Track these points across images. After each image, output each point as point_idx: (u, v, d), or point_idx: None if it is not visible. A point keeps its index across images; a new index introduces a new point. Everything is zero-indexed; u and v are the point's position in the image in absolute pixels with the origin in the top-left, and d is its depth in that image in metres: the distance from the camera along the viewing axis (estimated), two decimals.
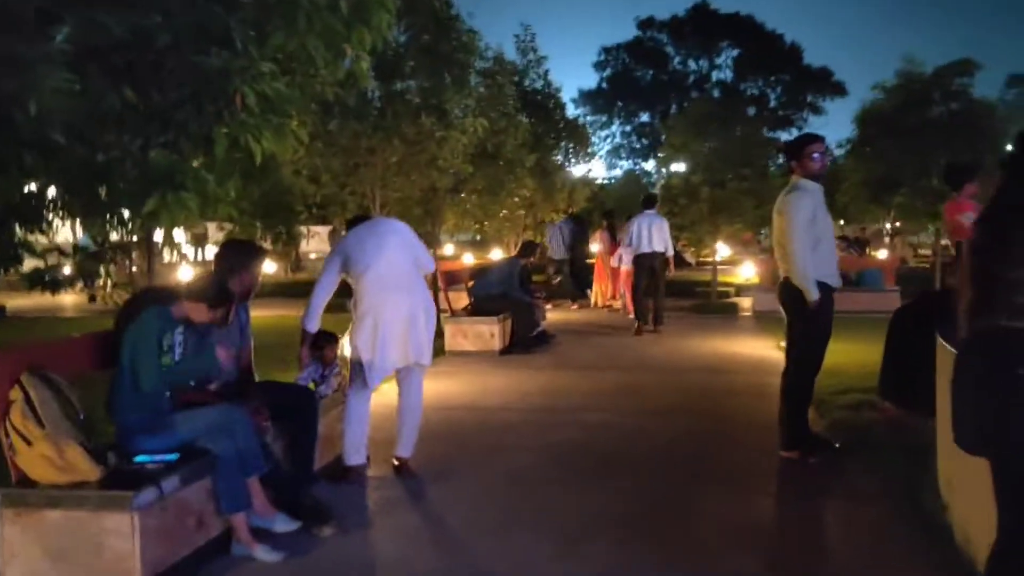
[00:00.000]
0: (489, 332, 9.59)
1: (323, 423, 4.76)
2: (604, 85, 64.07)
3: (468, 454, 5.55)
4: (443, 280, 10.03)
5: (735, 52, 60.73)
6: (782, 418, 5.22)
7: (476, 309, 10.00)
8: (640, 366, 8.92)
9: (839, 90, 56.66)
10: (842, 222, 25.12)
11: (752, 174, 13.54)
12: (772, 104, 55.00)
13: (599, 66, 65.38)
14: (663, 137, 14.45)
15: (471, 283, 10.60)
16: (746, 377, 8.11)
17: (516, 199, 12.03)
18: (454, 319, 9.79)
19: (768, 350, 9.76)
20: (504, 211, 12.12)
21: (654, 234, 11.48)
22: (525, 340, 9.99)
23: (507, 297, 10.00)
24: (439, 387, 7.59)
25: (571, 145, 15.20)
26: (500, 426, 6.35)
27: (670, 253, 12.10)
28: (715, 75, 61.45)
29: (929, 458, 4.56)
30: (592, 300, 14.95)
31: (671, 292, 17.14)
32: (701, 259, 24.37)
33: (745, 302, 15.24)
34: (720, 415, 6.60)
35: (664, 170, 16.47)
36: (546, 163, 14.67)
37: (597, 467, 5.25)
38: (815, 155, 5.03)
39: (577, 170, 15.71)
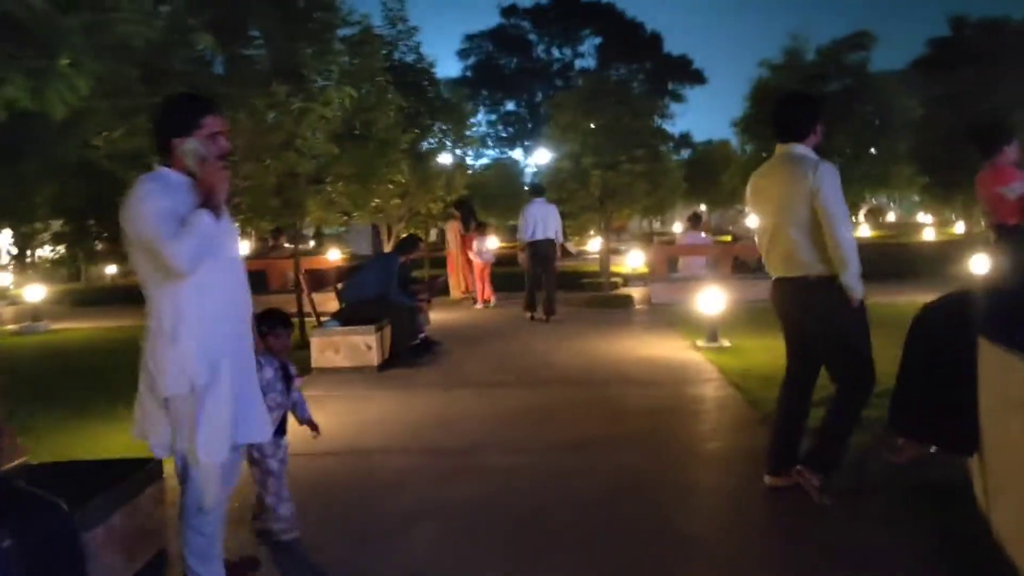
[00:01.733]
0: (365, 344, 8.02)
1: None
2: (468, 73, 63.09)
3: (337, 535, 4.02)
4: (307, 281, 8.35)
5: (598, 40, 61.18)
6: (778, 440, 4.08)
7: (348, 316, 8.41)
8: (547, 379, 7.59)
9: (698, 78, 57.85)
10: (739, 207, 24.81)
11: (646, 156, 12.49)
12: (635, 92, 55.48)
13: (463, 54, 64.43)
14: (547, 117, 13.14)
15: (340, 285, 8.99)
16: (674, 389, 6.92)
17: (390, 186, 10.45)
18: (322, 330, 8.16)
19: (684, 351, 8.65)
20: (376, 200, 10.53)
21: (549, 221, 11.40)
22: (408, 351, 8.49)
23: (384, 301, 8.46)
24: None
25: (447, 126, 13.68)
26: (381, 480, 4.85)
27: (560, 240, 11.93)
28: (579, 63, 61.57)
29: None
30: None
31: (559, 286, 16.08)
32: (583, 248, 23.45)
33: (636, 293, 14.26)
34: (662, 447, 5.31)
35: (540, 154, 15.29)
36: (420, 146, 13.14)
37: (516, 541, 3.85)
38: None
39: (451, 155, 14.18)
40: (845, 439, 3.97)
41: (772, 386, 6.28)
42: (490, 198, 30.60)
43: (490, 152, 63.12)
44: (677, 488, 4.50)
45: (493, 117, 66.67)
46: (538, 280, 11.53)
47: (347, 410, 6.56)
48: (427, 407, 6.62)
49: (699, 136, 53.56)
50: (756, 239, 4.27)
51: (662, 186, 12.59)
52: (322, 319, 8.51)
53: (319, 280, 8.98)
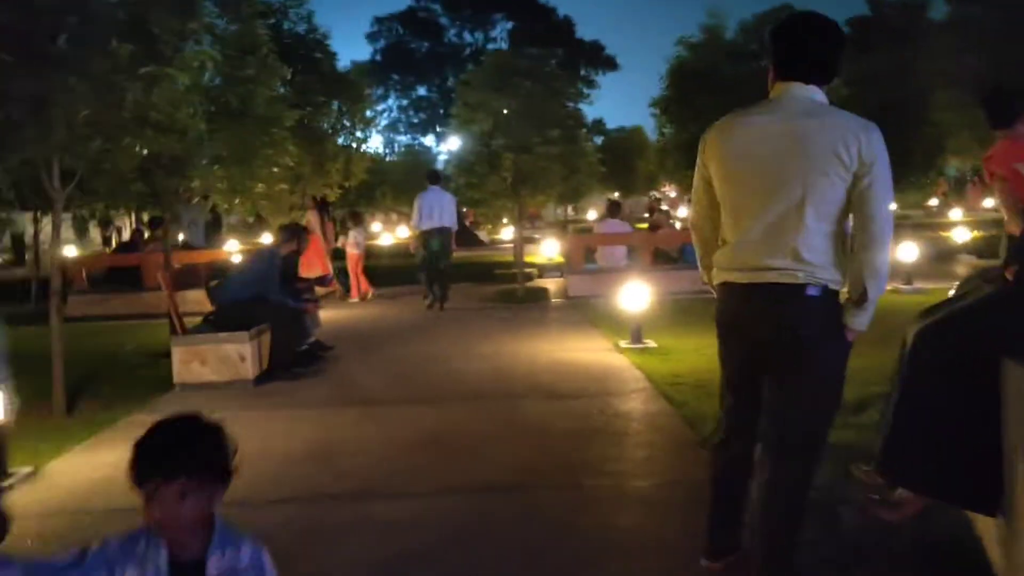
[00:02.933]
0: (238, 354, 6.82)
1: None
2: (378, 57, 61.29)
3: None
4: (166, 280, 7.07)
5: (509, 25, 60.24)
6: (715, 516, 3.04)
7: (221, 321, 7.20)
8: (452, 392, 6.54)
9: (611, 64, 57.51)
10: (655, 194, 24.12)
11: (561, 137, 11.54)
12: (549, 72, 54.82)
13: (372, 37, 62.59)
14: (455, 98, 12.06)
15: (213, 283, 7.75)
16: (599, 403, 5.96)
17: (276, 169, 9.21)
18: (185, 338, 6.91)
19: (606, 353, 7.74)
20: (260, 185, 9.28)
21: (444, 209, 11.27)
22: (290, 359, 7.33)
23: (262, 302, 7.26)
24: None
25: (344, 106, 12.45)
26: None
27: (455, 229, 11.76)
28: (491, 47, 60.42)
29: None
30: None
31: (469, 277, 15.06)
32: (495, 237, 22.47)
33: (552, 285, 13.35)
34: (591, 486, 4.33)
35: (452, 139, 14.23)
36: (316, 126, 11.88)
37: None
38: None
39: (349, 137, 12.96)
40: (798, 529, 2.82)
41: (706, 397, 5.48)
42: (400, 186, 29.34)
43: (401, 138, 61.68)
44: (613, 548, 3.53)
45: (404, 102, 65.16)
46: (432, 269, 11.46)
47: None
48: (308, 433, 5.49)
49: (612, 124, 53.19)
50: (695, 222, 3.09)
51: (578, 171, 11.69)
52: (188, 325, 7.28)
53: (187, 278, 7.70)
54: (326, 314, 8.93)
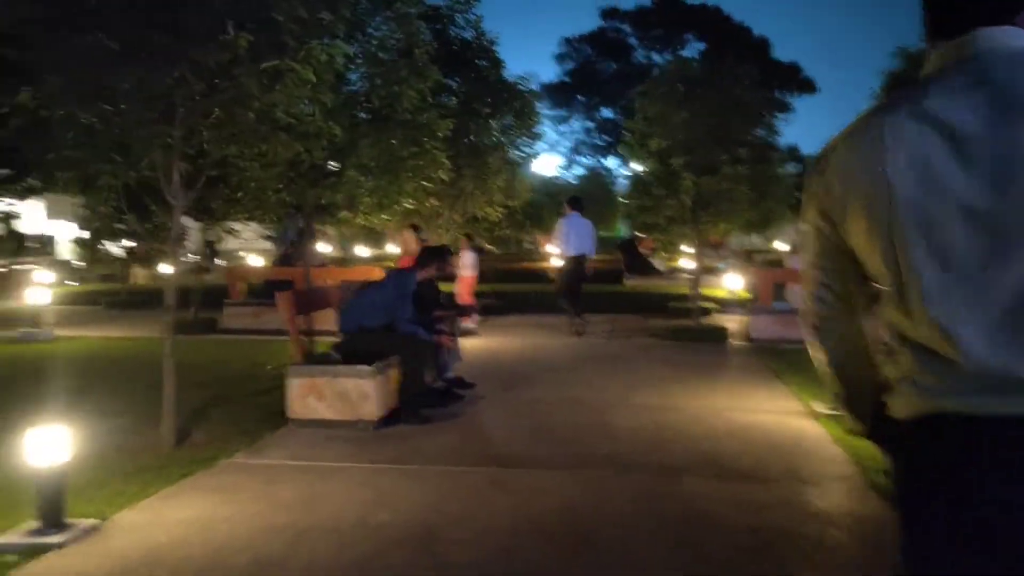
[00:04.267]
0: (359, 391, 5.94)
1: None
2: (566, 79, 61.07)
3: None
4: (286, 303, 6.29)
5: (701, 45, 58.38)
6: None
7: (345, 350, 6.37)
8: (598, 457, 5.32)
9: (807, 87, 54.23)
10: None
11: (752, 156, 10.08)
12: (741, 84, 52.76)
13: (560, 58, 62.64)
14: (635, 111, 10.87)
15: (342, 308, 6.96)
16: (790, 493, 4.55)
17: (426, 184, 8.40)
18: (302, 368, 6.11)
19: (797, 419, 6.26)
20: (408, 202, 8.49)
21: (585, 235, 11.16)
22: (421, 399, 6.38)
23: (392, 331, 6.37)
24: (225, 514, 4.00)
25: (510, 118, 11.56)
26: None
27: (592, 256, 11.73)
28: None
29: None
30: None
31: (638, 308, 13.79)
32: (673, 265, 20.93)
33: (732, 323, 11.81)
34: None
35: (628, 159, 13.04)
36: (479, 139, 11.07)
37: None
38: None
39: (514, 153, 12.07)
40: None
41: None
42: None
43: (584, 160, 61.24)
44: None
45: (589, 124, 64.65)
46: (573, 295, 11.27)
47: (299, 495, 4.47)
48: (419, 498, 4.47)
49: (806, 150, 49.84)
50: (819, 314, 1.57)
51: (769, 196, 10.17)
52: (318, 351, 6.52)
53: (309, 300, 6.93)
54: (470, 344, 7.96)
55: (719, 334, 10.43)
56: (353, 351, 6.29)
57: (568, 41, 62.86)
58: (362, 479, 4.80)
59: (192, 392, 7.18)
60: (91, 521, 4.06)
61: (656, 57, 62.58)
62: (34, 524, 3.87)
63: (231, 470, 5.03)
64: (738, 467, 5.05)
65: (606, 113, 64.80)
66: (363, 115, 7.83)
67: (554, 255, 11.76)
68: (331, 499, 4.45)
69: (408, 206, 8.52)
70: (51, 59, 5.31)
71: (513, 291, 14.73)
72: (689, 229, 10.60)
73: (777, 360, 8.91)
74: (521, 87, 11.38)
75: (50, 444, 3.84)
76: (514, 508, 4.35)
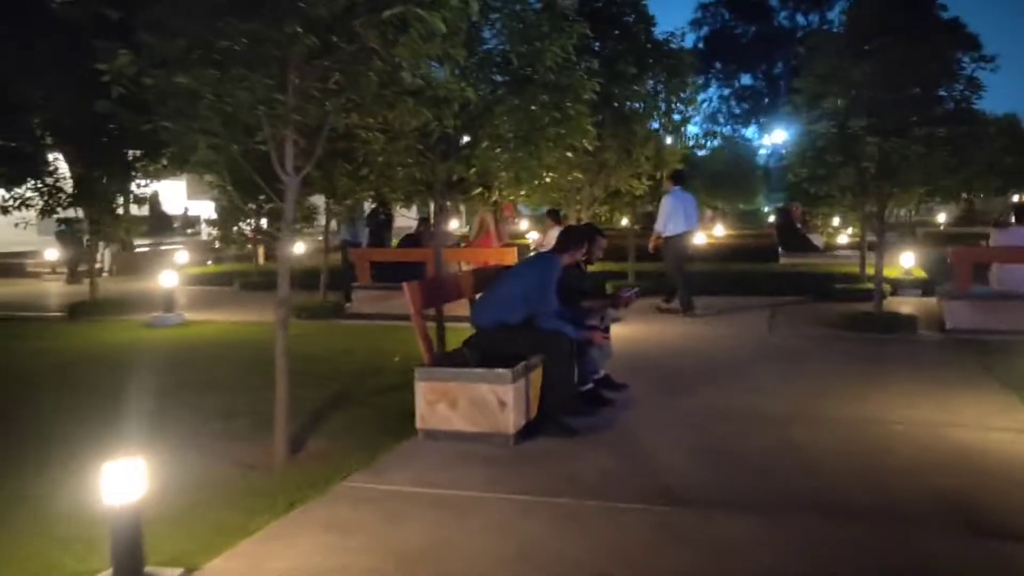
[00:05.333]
0: (497, 398, 5.04)
1: None
2: (701, 45, 58.44)
3: None
4: (416, 296, 5.43)
5: (848, 3, 54.48)
6: None
7: (481, 348, 5.49)
8: (795, 491, 4.21)
9: (982, 56, 49.56)
10: None
11: (951, 116, 8.53)
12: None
13: (695, 24, 60.15)
14: (803, 65, 9.48)
15: (478, 296, 6.07)
16: None
17: (570, 154, 7.40)
18: (432, 370, 5.26)
19: None
20: (549, 175, 7.52)
21: (691, 211, 10.68)
22: (566, 406, 5.43)
23: (533, 327, 5.44)
24: (335, 565, 3.22)
25: (661, 81, 10.36)
26: None
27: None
28: (831, 26, 55.07)
29: None
30: None
31: (800, 290, 12.40)
32: (831, 242, 19.11)
33: (911, 307, 10.27)
34: None
35: (777, 131, 11.57)
36: (624, 105, 9.94)
37: None
38: None
39: (664, 119, 10.85)
40: None
41: None
42: (717, 179, 26.75)
43: (722, 130, 58.63)
44: None
45: (726, 91, 61.93)
46: (690, 276, 10.78)
47: (426, 543, 3.60)
48: (572, 553, 3.52)
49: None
50: None
51: (972, 161, 8.58)
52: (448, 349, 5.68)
53: (439, 290, 6.05)
54: (613, 332, 6.94)
55: (906, 323, 8.97)
56: (489, 350, 5.40)
57: (704, 6, 60.24)
58: (504, 519, 3.89)
59: (313, 388, 6.53)
60: (175, 572, 3.32)
61: (800, 19, 59.17)
62: (107, 574, 3.18)
63: (348, 498, 4.24)
64: (994, 516, 3.84)
65: (745, 80, 61.96)
66: (500, 78, 6.89)
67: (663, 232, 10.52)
68: (465, 550, 3.56)
69: (548, 179, 7.56)
70: (150, 17, 4.64)
71: (658, 271, 13.55)
72: (869, 201, 9.14)
73: (985, 355, 7.46)
74: (673, 45, 10.14)
75: (125, 479, 3.11)
76: (699, 571, 3.34)
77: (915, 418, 5.50)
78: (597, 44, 9.47)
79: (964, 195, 26.18)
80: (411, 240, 11.69)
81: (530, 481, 4.41)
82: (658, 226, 10.56)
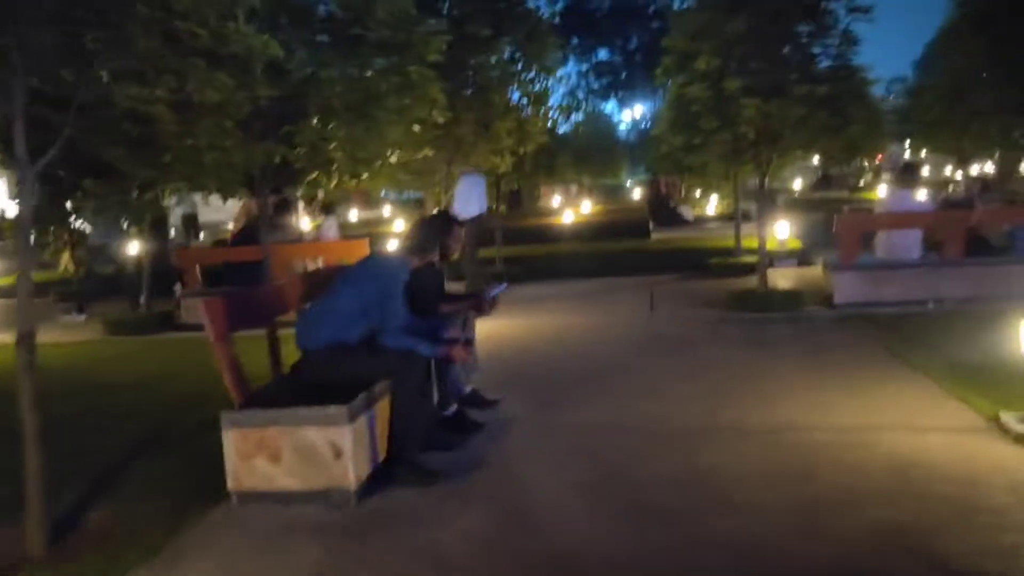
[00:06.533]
0: (330, 444, 3.87)
1: None
2: (556, 20, 58.01)
3: None
4: (217, 319, 4.15)
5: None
6: None
7: (309, 377, 4.30)
8: (728, 544, 3.27)
9: (860, 8, 51.21)
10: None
11: (831, 74, 7.90)
12: None
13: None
14: (671, 27, 8.66)
15: (307, 305, 4.85)
16: None
17: (416, 128, 6.26)
18: (240, 416, 4.02)
19: (981, 439, 4.21)
20: (392, 153, 6.33)
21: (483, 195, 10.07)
22: (422, 442, 4.33)
23: (377, 347, 4.28)
24: None
25: (518, 46, 9.31)
26: None
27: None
28: (677, 4, 55.85)
29: None
30: None
31: (674, 266, 11.78)
32: (699, 213, 18.75)
33: (787, 280, 9.78)
34: None
35: (633, 116, 10.80)
36: (480, 73, 8.85)
37: None
38: None
39: (528, 89, 9.79)
40: None
41: None
42: (581, 154, 26.14)
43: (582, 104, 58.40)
44: None
45: (584, 67, 61.92)
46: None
47: None
48: None
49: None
50: None
51: (854, 120, 7.99)
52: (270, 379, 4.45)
53: (254, 308, 4.79)
54: (482, 329, 5.90)
55: (792, 299, 8.35)
56: (320, 380, 4.22)
57: None
58: None
59: (108, 434, 5.23)
60: None
61: None
62: None
63: None
64: (961, 561, 3.00)
65: (602, 55, 62.09)
66: (324, 38, 5.66)
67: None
68: None
69: (393, 160, 6.39)
70: None
71: (527, 255, 12.64)
72: (751, 168, 8.44)
73: (882, 332, 6.87)
74: (529, 3, 9.10)
75: None
76: None
77: (833, 422, 4.70)
78: (446, 3, 8.36)
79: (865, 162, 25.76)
80: (247, 236, 10.11)
81: (377, 566, 3.29)
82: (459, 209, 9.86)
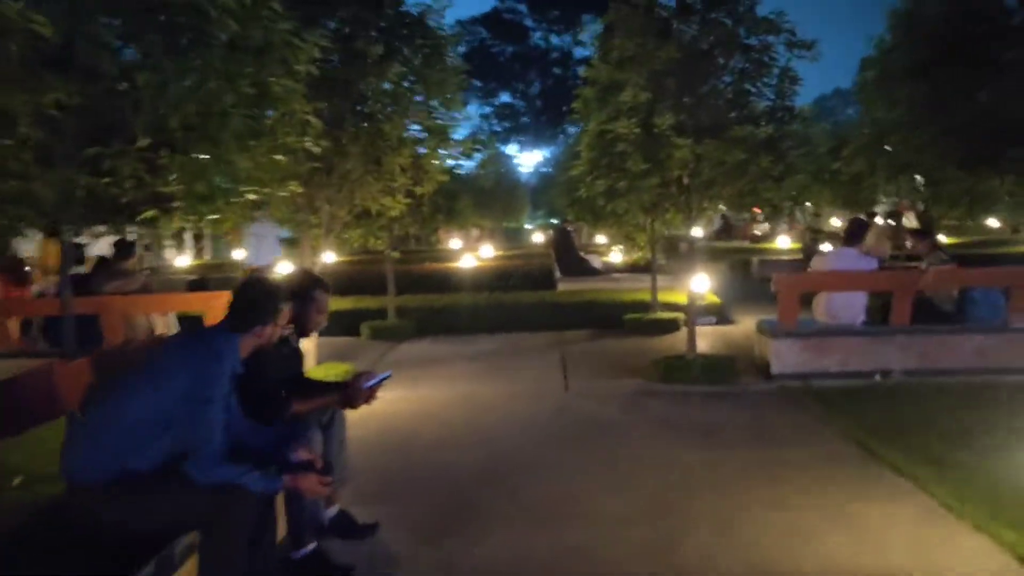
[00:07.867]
0: None
1: None
2: (460, 62, 57.51)
3: None
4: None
5: (600, 27, 55.96)
6: None
7: (80, 525, 2.83)
8: None
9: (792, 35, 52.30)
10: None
11: (768, 114, 6.94)
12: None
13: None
14: (596, 50, 7.58)
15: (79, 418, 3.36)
16: None
17: (279, 157, 4.87)
18: None
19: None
20: (251, 190, 4.92)
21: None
22: None
23: (183, 483, 2.85)
24: None
25: (413, 70, 8.01)
26: None
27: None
28: (579, 52, 56.27)
29: None
30: None
31: (588, 323, 10.67)
32: (606, 260, 17.77)
33: (706, 341, 8.79)
34: None
35: (532, 160, 9.71)
36: (371, 99, 7.52)
37: None
38: None
39: (428, 119, 8.47)
40: None
41: None
42: (483, 197, 25.00)
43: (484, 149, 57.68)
44: None
45: (487, 110, 61.57)
46: None
47: None
48: None
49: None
50: None
51: (794, 168, 7.03)
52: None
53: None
54: (354, 413, 4.50)
55: (724, 368, 7.26)
56: (94, 532, 2.76)
57: (461, 24, 59.28)
58: None
59: None
60: None
61: (555, 39, 59.99)
62: None
63: None
64: None
65: (504, 98, 61.84)
66: (151, 36, 4.24)
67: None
68: None
69: (252, 196, 4.98)
70: None
71: (422, 305, 11.29)
72: (682, 216, 7.37)
73: (839, 415, 5.81)
74: (431, 22, 7.83)
75: None
76: None
77: (824, 564, 3.52)
78: (328, 17, 7.03)
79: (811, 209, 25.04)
80: (82, 281, 8.30)
81: None
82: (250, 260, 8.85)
